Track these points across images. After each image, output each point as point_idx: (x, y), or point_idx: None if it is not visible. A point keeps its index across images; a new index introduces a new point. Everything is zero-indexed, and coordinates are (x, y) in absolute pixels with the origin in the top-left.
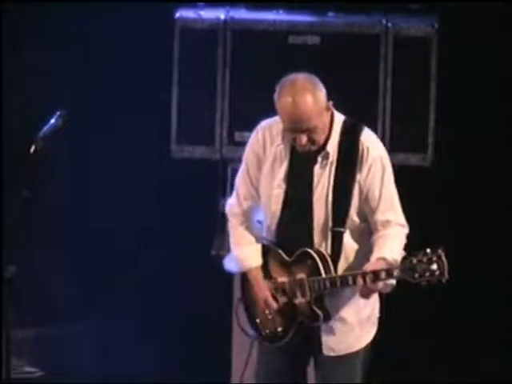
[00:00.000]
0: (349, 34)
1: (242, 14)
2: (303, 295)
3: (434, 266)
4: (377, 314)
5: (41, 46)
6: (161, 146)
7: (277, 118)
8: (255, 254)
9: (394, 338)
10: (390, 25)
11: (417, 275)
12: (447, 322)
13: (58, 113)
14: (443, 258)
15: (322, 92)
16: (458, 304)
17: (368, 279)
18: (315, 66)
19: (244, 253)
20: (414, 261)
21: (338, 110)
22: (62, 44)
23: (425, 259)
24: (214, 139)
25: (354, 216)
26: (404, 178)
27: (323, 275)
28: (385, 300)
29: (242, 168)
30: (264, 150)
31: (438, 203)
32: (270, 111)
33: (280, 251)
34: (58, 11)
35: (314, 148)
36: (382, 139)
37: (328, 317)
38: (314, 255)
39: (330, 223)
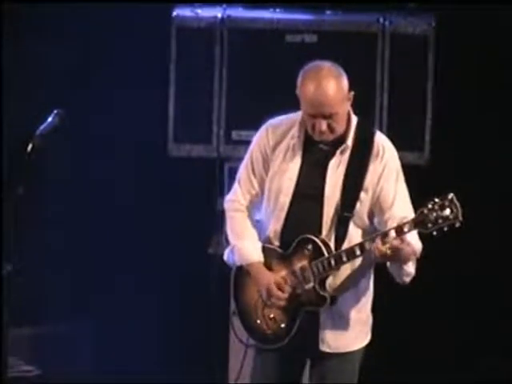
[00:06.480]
0: (346, 33)
1: (239, 12)
2: (307, 282)
3: (447, 212)
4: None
5: (39, 44)
6: (158, 144)
7: (284, 117)
8: (258, 250)
9: (393, 337)
10: (387, 23)
11: (430, 225)
12: (447, 322)
13: (56, 111)
14: (455, 201)
15: (345, 80)
16: (457, 303)
17: (378, 241)
18: None
19: (247, 246)
20: (425, 211)
21: None
22: (61, 42)
23: (436, 207)
24: (211, 138)
25: (363, 215)
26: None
27: (326, 255)
28: (384, 299)
29: (246, 164)
30: (273, 147)
31: None
32: (268, 109)
33: (275, 247)
34: (57, 9)
35: (331, 137)
36: None
37: (334, 299)
38: (314, 238)
39: (339, 208)
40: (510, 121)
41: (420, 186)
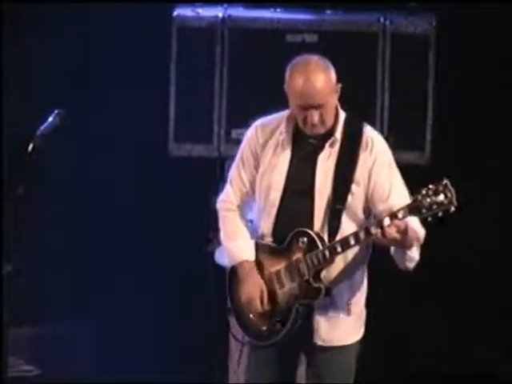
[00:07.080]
0: (346, 32)
1: (240, 12)
2: (302, 275)
3: (441, 197)
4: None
5: (39, 44)
6: (158, 144)
7: (273, 116)
8: (249, 249)
9: (390, 328)
10: (387, 23)
11: (424, 210)
12: (443, 312)
13: (56, 111)
14: (449, 186)
15: (333, 72)
16: (453, 296)
17: (372, 230)
18: None
19: (238, 246)
20: (419, 197)
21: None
22: (61, 42)
23: (430, 192)
24: (212, 137)
25: (357, 208)
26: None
27: (320, 248)
28: (379, 293)
29: (236, 163)
30: (262, 144)
31: None
32: (268, 109)
33: (269, 243)
34: (57, 9)
35: (322, 130)
36: None
37: (329, 290)
38: (308, 231)
39: (331, 201)
40: (510, 120)
41: (421, 185)
